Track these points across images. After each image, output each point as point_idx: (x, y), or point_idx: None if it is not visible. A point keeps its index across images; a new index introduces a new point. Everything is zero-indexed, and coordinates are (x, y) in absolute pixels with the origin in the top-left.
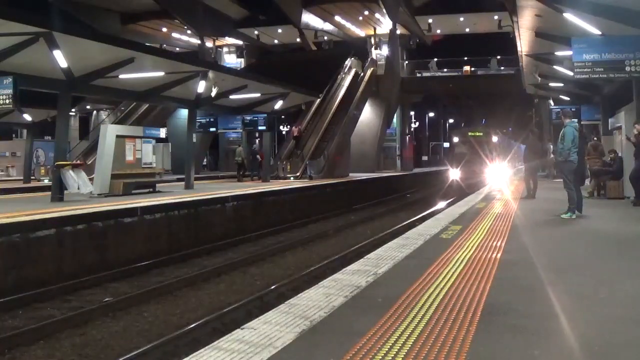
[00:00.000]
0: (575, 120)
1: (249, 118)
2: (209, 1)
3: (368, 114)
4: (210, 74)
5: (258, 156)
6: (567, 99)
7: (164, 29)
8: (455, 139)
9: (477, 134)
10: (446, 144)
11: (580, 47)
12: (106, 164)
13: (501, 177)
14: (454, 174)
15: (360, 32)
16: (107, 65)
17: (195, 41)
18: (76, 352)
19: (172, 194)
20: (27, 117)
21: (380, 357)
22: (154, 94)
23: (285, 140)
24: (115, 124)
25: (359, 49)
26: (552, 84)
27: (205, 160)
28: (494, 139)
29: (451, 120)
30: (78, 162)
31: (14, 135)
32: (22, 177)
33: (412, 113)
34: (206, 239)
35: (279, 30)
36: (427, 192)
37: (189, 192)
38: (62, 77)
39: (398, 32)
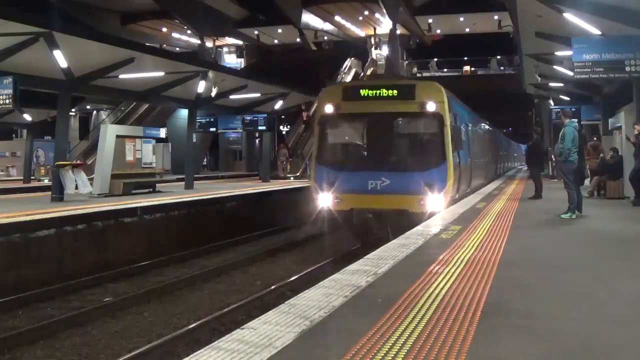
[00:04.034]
0: (575, 120)
1: (249, 118)
2: (209, 1)
3: None
4: (210, 74)
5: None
6: (567, 99)
7: (164, 29)
8: (328, 109)
9: (388, 93)
10: None
11: (580, 47)
12: (106, 164)
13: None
14: (324, 199)
15: (360, 32)
16: (107, 65)
17: (195, 41)
18: (76, 352)
19: (172, 194)
20: (27, 117)
21: (380, 357)
22: (154, 94)
23: (285, 140)
24: (115, 124)
25: (359, 49)
26: (552, 84)
27: (205, 160)
28: (432, 107)
29: None
30: (78, 162)
31: (14, 135)
32: (22, 177)
33: None
34: (206, 239)
35: (279, 30)
36: None
37: (189, 192)
38: (62, 77)
39: (398, 32)
